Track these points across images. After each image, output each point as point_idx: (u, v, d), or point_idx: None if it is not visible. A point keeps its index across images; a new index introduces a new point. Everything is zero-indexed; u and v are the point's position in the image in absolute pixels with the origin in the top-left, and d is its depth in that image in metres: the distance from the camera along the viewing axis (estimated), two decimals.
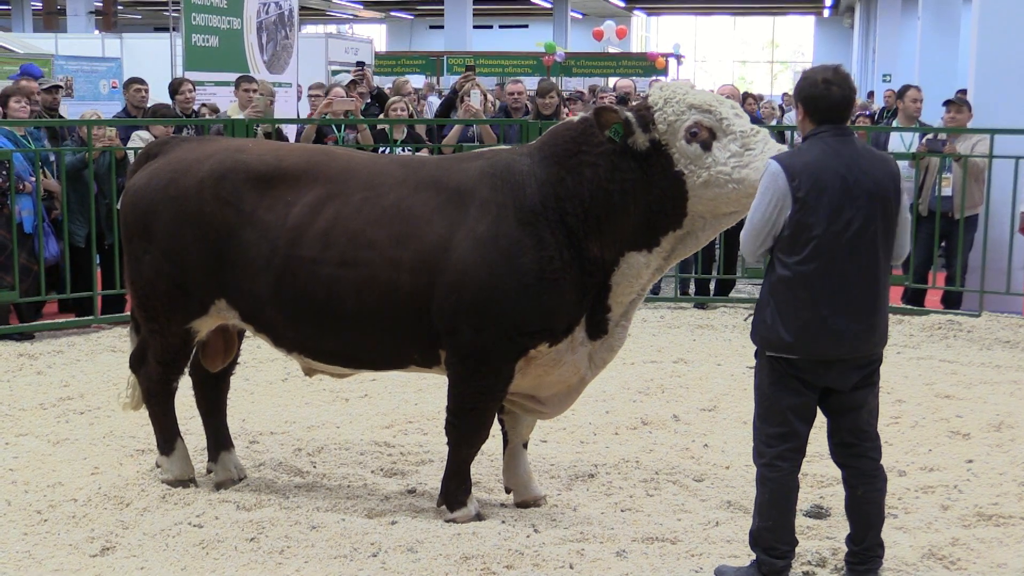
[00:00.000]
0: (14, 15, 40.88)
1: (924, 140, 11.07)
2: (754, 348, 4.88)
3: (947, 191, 10.80)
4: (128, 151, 10.39)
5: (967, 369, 8.82)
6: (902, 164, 9.54)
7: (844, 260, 4.57)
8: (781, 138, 13.24)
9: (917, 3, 28.78)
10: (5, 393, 7.94)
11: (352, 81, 12.69)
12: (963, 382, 8.36)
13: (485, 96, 12.27)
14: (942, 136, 11.04)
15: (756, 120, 12.14)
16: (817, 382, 4.70)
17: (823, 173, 4.56)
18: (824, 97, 4.65)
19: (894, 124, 12.37)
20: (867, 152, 4.71)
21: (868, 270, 4.60)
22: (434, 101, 21.07)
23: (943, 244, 11.20)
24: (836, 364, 4.66)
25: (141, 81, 12.07)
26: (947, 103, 11.33)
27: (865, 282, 4.61)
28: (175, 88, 11.98)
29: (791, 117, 15.99)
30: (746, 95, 15.56)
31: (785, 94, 23.33)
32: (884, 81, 31.86)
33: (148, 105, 11.76)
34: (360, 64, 14.31)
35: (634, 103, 5.59)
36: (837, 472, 6.24)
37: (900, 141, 11.37)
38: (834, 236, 4.55)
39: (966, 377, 8.51)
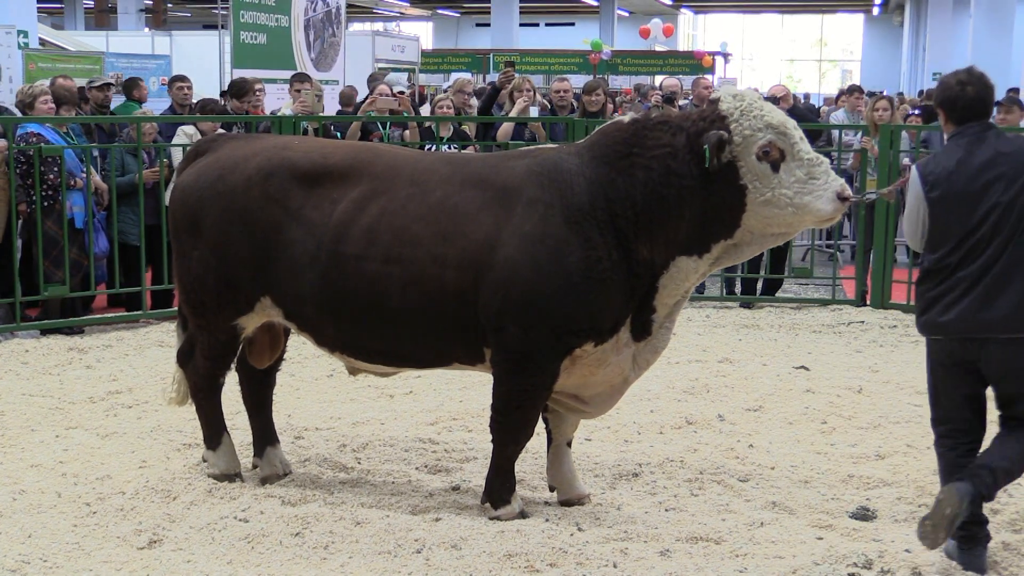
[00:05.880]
0: (67, 13, 41.43)
1: None
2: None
3: None
4: (174, 147, 10.52)
5: None
6: None
7: (986, 250, 4.80)
8: (829, 139, 13.16)
9: (969, 1, 28.42)
10: (55, 386, 8.04)
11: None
12: None
13: (533, 92, 12.27)
14: None
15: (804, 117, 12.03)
16: (975, 363, 4.89)
17: (956, 175, 4.85)
18: (960, 97, 4.94)
19: None
20: (1008, 142, 4.95)
21: (1017, 254, 4.81)
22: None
23: None
24: (988, 343, 4.84)
25: (184, 78, 12.17)
26: (997, 104, 11.19)
27: (1015, 266, 4.80)
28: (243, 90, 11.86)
29: (839, 116, 15.84)
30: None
31: (841, 91, 23.10)
32: (935, 80, 31.49)
33: (192, 102, 11.86)
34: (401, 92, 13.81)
35: (690, 104, 5.63)
36: (884, 474, 6.24)
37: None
38: (970, 232, 4.81)
39: None
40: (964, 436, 5.02)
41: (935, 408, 5.10)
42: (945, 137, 5.18)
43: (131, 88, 12.67)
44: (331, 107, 15.32)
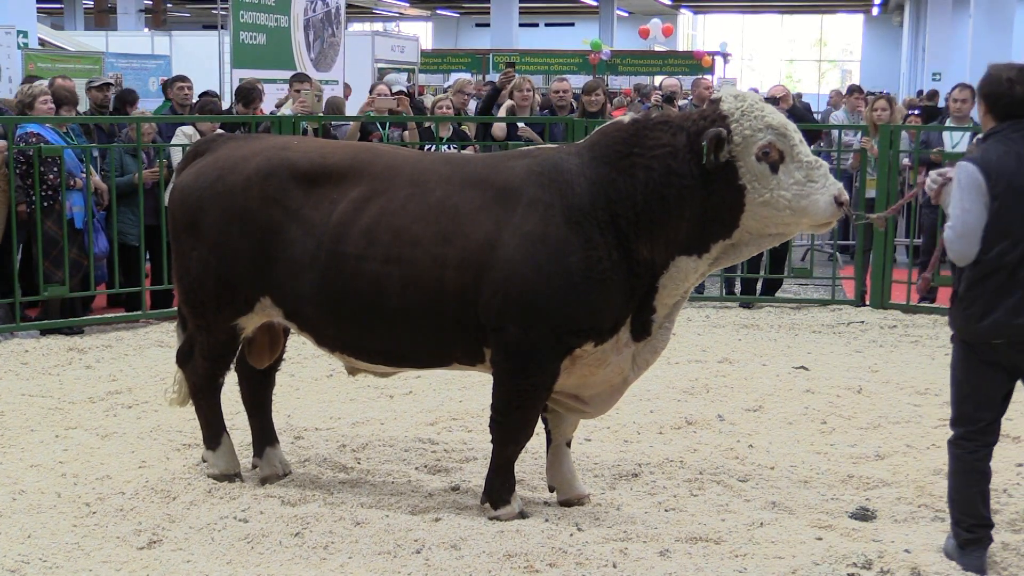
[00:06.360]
0: (66, 13, 41.44)
1: (975, 140, 10.92)
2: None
3: None
4: (174, 148, 10.53)
5: None
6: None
7: None
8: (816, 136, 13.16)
9: (969, 1, 28.41)
10: (55, 386, 8.04)
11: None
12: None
13: (533, 93, 12.26)
14: None
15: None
16: (1011, 367, 4.88)
17: (1012, 169, 4.77)
18: (1006, 95, 4.87)
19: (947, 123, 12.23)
20: None
21: None
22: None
23: None
24: None
25: (185, 79, 12.16)
26: None
27: None
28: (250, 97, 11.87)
29: (838, 116, 15.84)
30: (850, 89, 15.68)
31: (835, 91, 23.13)
32: (934, 80, 31.51)
33: (193, 102, 11.86)
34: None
35: (690, 104, 5.64)
36: (884, 474, 6.24)
37: (949, 140, 11.26)
38: None
39: None
40: (985, 437, 5.01)
41: (959, 408, 5.05)
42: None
43: (167, 88, 12.62)
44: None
